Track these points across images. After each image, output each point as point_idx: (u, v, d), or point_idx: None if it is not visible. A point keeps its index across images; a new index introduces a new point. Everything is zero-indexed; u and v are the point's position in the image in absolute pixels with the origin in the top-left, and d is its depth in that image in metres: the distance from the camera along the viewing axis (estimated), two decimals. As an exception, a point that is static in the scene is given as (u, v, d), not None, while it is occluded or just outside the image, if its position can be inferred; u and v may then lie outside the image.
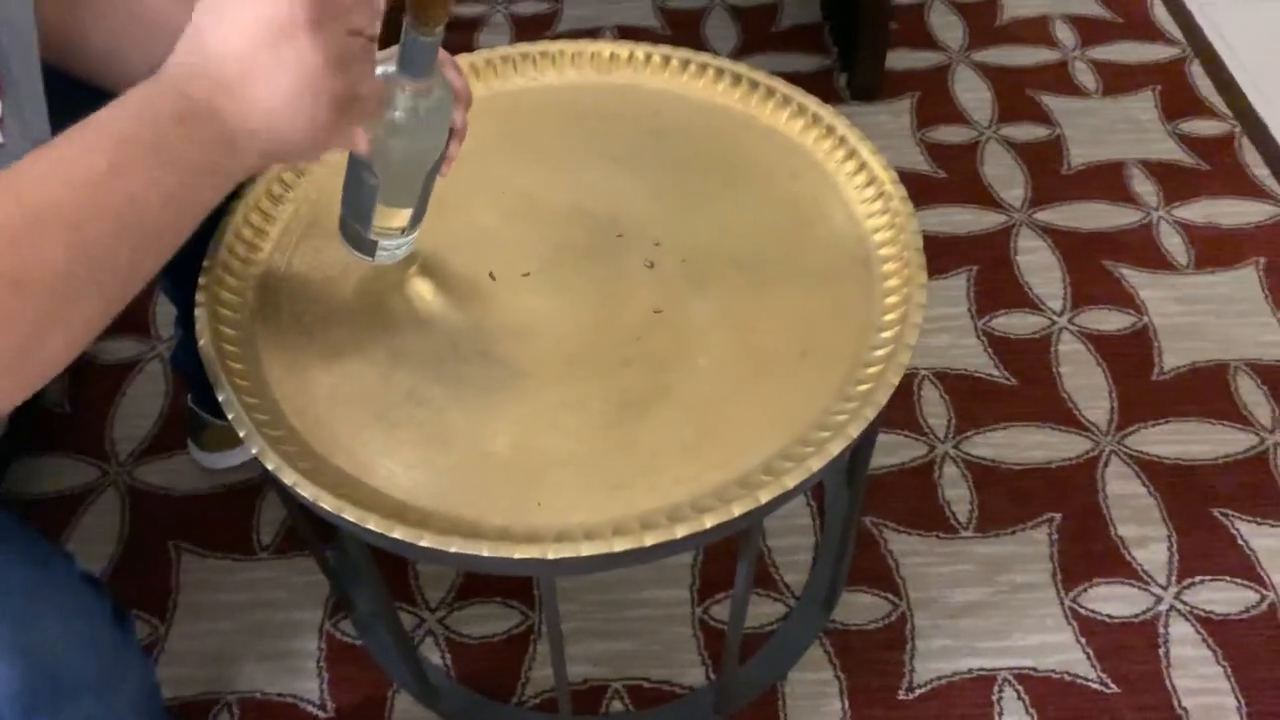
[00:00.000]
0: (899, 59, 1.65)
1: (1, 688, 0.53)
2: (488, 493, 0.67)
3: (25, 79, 0.65)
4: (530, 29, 1.76)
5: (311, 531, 0.94)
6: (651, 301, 0.78)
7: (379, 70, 0.64)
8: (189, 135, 0.52)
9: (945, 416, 1.20)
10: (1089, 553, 1.08)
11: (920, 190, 1.45)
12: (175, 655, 1.03)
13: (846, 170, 0.86)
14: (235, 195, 0.83)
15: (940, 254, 1.36)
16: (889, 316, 0.75)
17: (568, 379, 0.74)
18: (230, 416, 0.69)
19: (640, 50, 0.96)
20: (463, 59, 0.94)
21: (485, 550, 0.62)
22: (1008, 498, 1.13)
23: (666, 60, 0.95)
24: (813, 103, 0.90)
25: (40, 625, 0.55)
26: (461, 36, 1.75)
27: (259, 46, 0.52)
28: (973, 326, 1.29)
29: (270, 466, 0.67)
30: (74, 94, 0.77)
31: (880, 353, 0.73)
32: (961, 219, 1.42)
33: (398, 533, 0.63)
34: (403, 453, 0.70)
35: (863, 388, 0.71)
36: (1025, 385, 1.23)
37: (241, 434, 0.68)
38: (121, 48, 0.76)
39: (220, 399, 0.70)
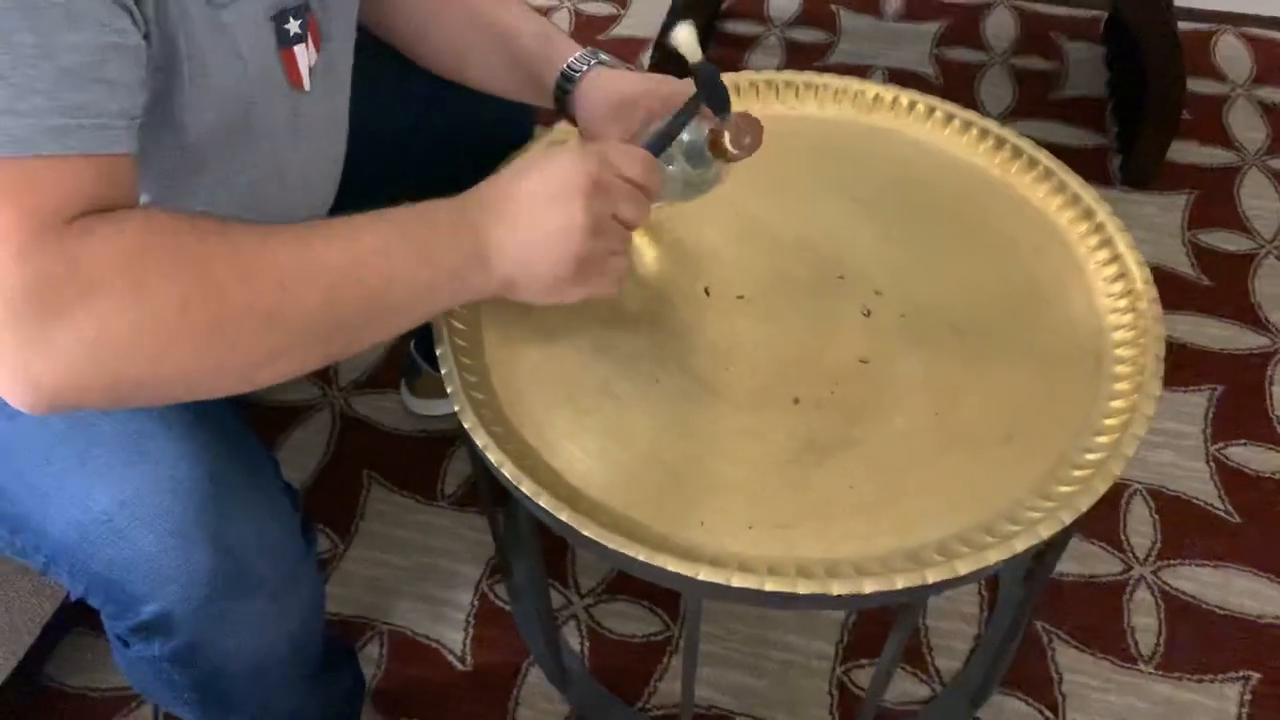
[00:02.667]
0: (1183, 151, 1.53)
1: (197, 571, 0.59)
2: (656, 499, 0.69)
3: (340, 40, 0.72)
4: (802, 56, 1.76)
5: (489, 492, 0.98)
6: (859, 349, 0.77)
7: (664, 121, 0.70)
8: (453, 243, 0.60)
9: (1150, 538, 1.11)
10: (1285, 726, 0.97)
11: (1177, 293, 1.35)
12: (345, 574, 1.10)
13: (1098, 258, 0.82)
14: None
15: (1184, 365, 1.26)
16: (1110, 421, 0.70)
17: (757, 406, 0.74)
18: (443, 371, 0.74)
19: (905, 96, 0.94)
20: (727, 78, 0.96)
21: (641, 555, 0.63)
22: (1202, 641, 1.03)
23: (930, 111, 0.93)
24: (1075, 181, 0.86)
25: (240, 522, 0.61)
26: (732, 54, 1.78)
27: (538, 194, 0.60)
28: (1204, 450, 1.18)
29: (467, 425, 0.71)
30: (376, 60, 0.85)
31: (1092, 456, 0.69)
32: (1217, 333, 1.30)
33: (565, 516, 0.65)
34: (585, 439, 0.72)
35: (1065, 489, 0.67)
36: (1250, 525, 1.12)
37: (449, 389, 0.73)
38: (424, 16, 0.83)
39: (438, 353, 0.75)
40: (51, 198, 0.49)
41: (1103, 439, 0.69)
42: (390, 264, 0.57)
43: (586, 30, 1.83)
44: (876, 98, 0.95)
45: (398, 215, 0.59)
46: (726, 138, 0.68)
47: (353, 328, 0.58)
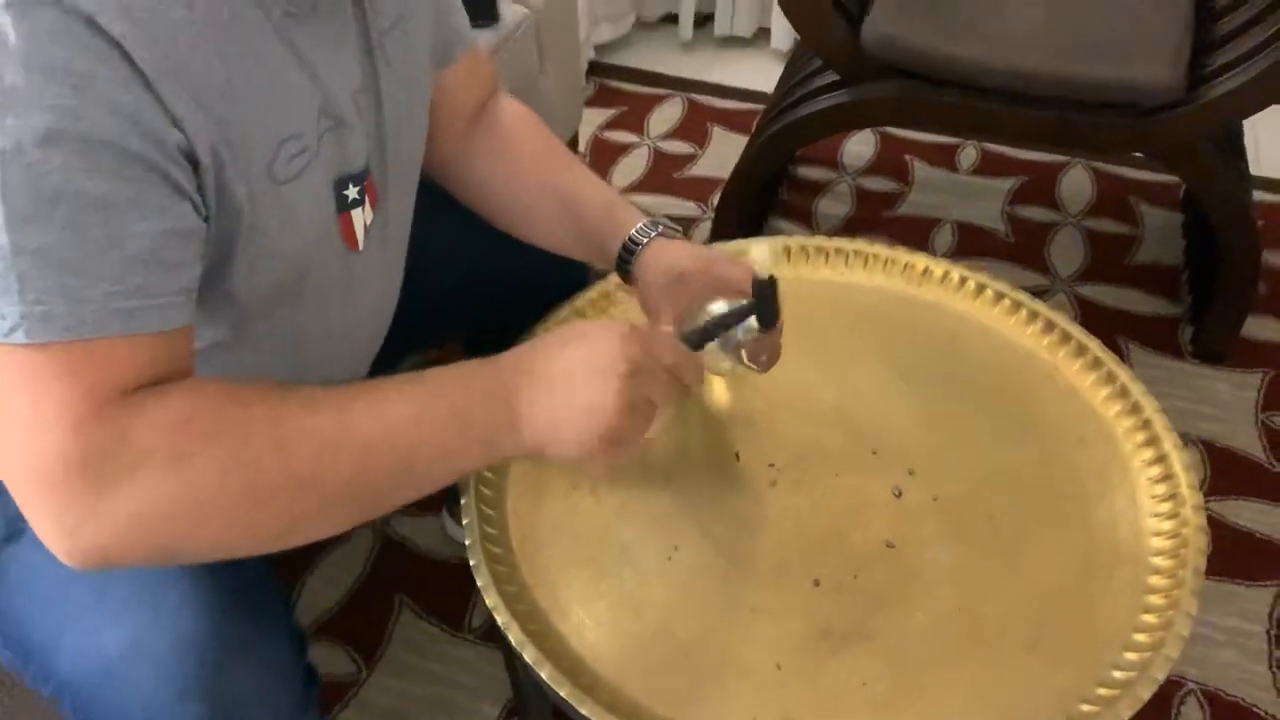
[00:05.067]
0: (1261, 327, 1.49)
1: None
2: (662, 677, 0.67)
3: (398, 202, 0.75)
4: (871, 203, 1.78)
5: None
6: (887, 532, 0.75)
7: (715, 305, 0.74)
8: (486, 409, 0.61)
9: (1205, 745, 1.04)
10: None
11: (1246, 477, 1.29)
12: (365, 702, 1.10)
13: (1143, 457, 0.79)
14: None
15: (1251, 557, 1.19)
16: (1140, 637, 0.67)
17: (776, 586, 0.72)
18: (464, 521, 0.75)
19: (955, 271, 0.94)
20: (776, 241, 0.97)
21: (636, 742, 0.61)
22: None
23: (981, 288, 0.93)
24: (1124, 373, 0.84)
25: (240, 679, 0.62)
26: (802, 199, 1.80)
27: (579, 367, 0.62)
28: (1266, 652, 1.11)
29: (480, 582, 0.71)
30: (440, 208, 0.89)
31: (1120, 675, 0.65)
32: (1289, 523, 1.24)
33: (564, 691, 0.64)
34: (598, 606, 0.71)
35: (1087, 708, 0.64)
36: (1319, 742, 1.04)
37: (468, 542, 0.73)
38: (494, 179, 0.87)
39: (461, 503, 0.76)
40: (111, 375, 0.52)
41: (1132, 656, 0.66)
42: (422, 431, 0.59)
43: (664, 168, 1.89)
44: (926, 271, 0.95)
45: (433, 380, 0.61)
46: (744, 353, 0.71)
47: (381, 493, 0.60)
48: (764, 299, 0.72)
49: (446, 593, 1.20)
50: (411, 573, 1.22)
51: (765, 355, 0.71)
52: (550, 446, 0.63)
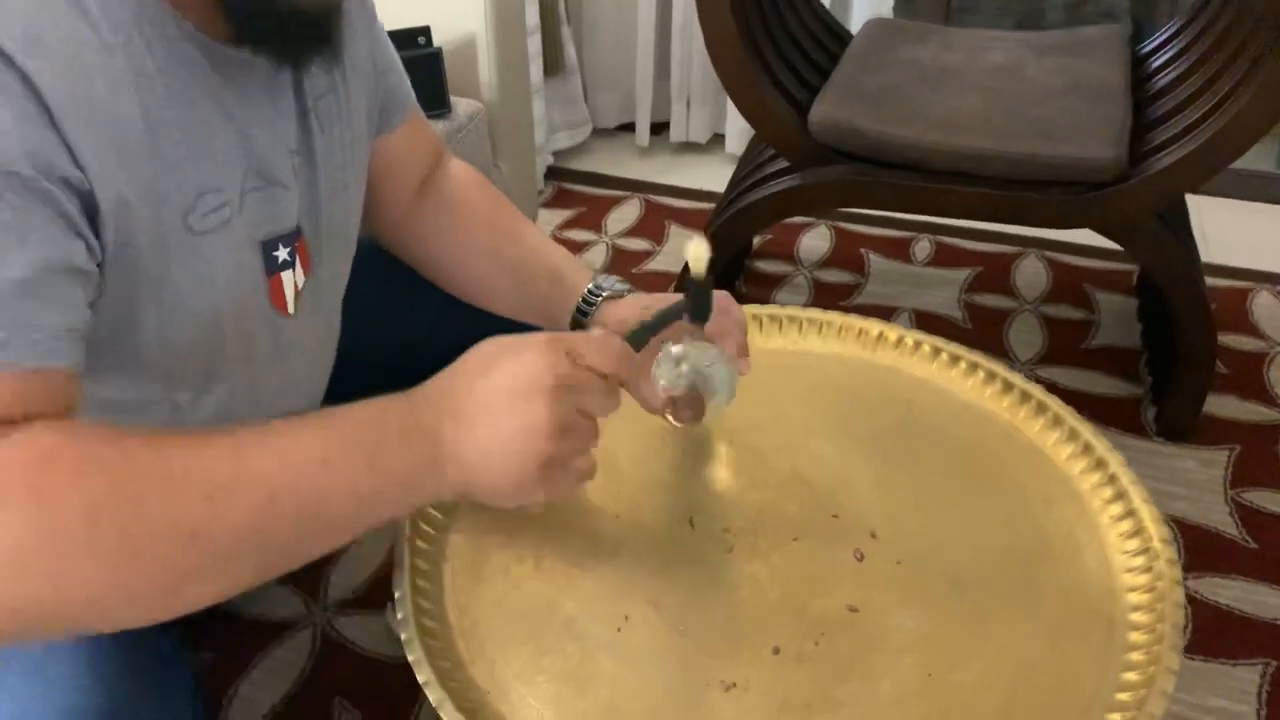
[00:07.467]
0: (1223, 405, 1.48)
1: None
2: (608, 757, 0.61)
3: (331, 267, 0.72)
4: (828, 295, 1.78)
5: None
6: (849, 597, 0.71)
7: (676, 348, 0.72)
8: (404, 449, 0.55)
9: (1202, 836, 0.97)
10: None
11: (1220, 556, 1.26)
12: (298, 817, 1.01)
13: (1111, 513, 0.76)
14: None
15: (1231, 635, 1.15)
16: (1123, 696, 0.63)
17: (732, 656, 0.67)
18: (396, 595, 0.69)
19: (910, 336, 0.92)
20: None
21: (575, 825, 0.55)
22: None
23: (936, 351, 0.91)
24: (1086, 430, 0.82)
25: None
26: (761, 292, 1.80)
27: (500, 392, 0.56)
28: (1259, 734, 1.06)
29: (411, 657, 0.65)
30: (388, 273, 0.86)
31: (1102, 738, 0.60)
32: (1267, 600, 1.20)
33: (497, 771, 0.58)
34: (539, 683, 0.66)
35: (1069, 774, 0.58)
36: (1321, 830, 0.98)
37: (399, 615, 0.68)
38: (442, 247, 0.85)
39: (394, 576, 0.71)
40: None
41: (1116, 717, 0.61)
42: (331, 474, 0.52)
43: (622, 263, 1.89)
44: (881, 336, 0.94)
45: (343, 418, 0.55)
46: (669, 413, 0.73)
47: (286, 544, 0.53)
48: (697, 297, 0.70)
49: (389, 697, 1.12)
50: (353, 676, 1.14)
51: (689, 411, 0.72)
52: (480, 485, 0.57)
